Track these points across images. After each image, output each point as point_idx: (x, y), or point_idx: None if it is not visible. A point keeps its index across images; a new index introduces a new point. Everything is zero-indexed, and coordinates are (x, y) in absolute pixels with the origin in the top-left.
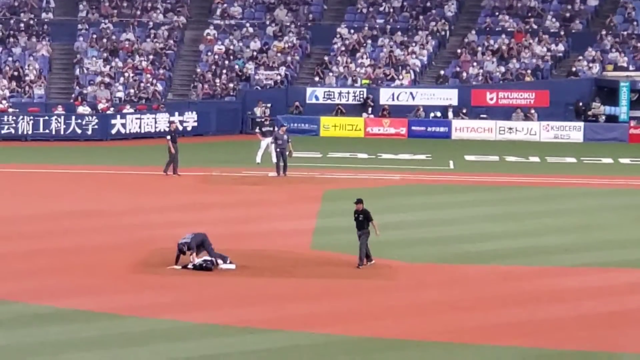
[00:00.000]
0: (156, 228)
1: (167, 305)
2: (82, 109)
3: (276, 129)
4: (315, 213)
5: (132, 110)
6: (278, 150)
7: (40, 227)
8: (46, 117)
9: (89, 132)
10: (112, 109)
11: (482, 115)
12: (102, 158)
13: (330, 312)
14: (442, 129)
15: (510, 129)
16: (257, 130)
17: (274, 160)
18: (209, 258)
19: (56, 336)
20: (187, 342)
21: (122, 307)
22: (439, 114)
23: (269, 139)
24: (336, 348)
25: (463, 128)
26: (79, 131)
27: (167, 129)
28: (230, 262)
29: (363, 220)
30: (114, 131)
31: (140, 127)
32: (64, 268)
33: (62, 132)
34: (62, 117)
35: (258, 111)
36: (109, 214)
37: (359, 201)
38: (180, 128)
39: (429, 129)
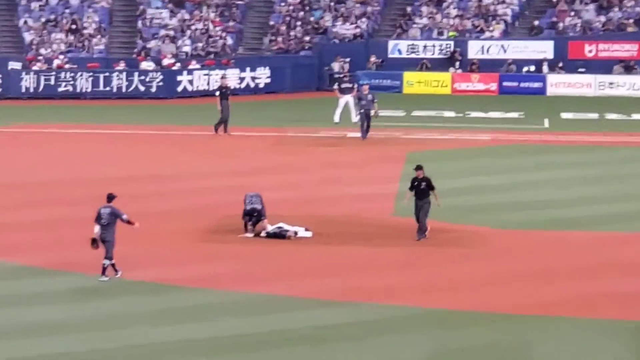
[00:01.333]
0: (226, 193)
1: (236, 277)
2: (146, 65)
3: (358, 86)
4: (398, 176)
5: (199, 66)
6: (362, 111)
7: (102, 192)
8: (106, 74)
9: (153, 90)
10: (177, 64)
11: (580, 69)
12: (167, 118)
13: (411, 283)
14: (536, 85)
15: (610, 84)
16: (335, 87)
17: (354, 119)
18: (285, 226)
19: (121, 308)
20: (256, 316)
21: (188, 279)
22: (532, 68)
23: (348, 96)
24: (418, 321)
25: (559, 83)
26: (142, 89)
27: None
28: (307, 230)
29: (425, 188)
30: (179, 88)
31: (208, 84)
32: (128, 236)
33: (123, 90)
34: (124, 73)
35: (336, 66)
36: (175, 178)
37: (419, 167)
38: (237, 85)
39: (522, 84)
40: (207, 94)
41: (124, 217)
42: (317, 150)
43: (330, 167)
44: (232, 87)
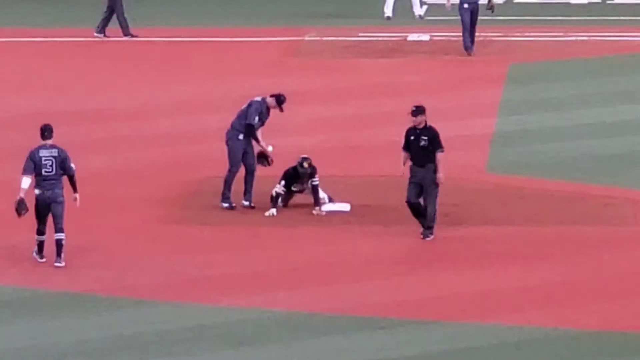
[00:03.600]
0: (209, 139)
1: (230, 283)
2: None
3: None
4: (494, 106)
5: None
6: (466, 6)
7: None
8: None
9: None
10: None
11: None
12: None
13: (533, 288)
14: None
15: None
16: None
17: (418, 11)
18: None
19: (54, 336)
20: (263, 345)
21: (156, 288)
22: None
23: None
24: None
25: None
26: None
27: None
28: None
29: (427, 146)
30: None
31: None
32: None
33: None
34: None
35: None
36: (127, 114)
37: (418, 111)
38: None
39: None
40: None
41: (72, 169)
42: (356, 64)
43: (380, 93)
44: None
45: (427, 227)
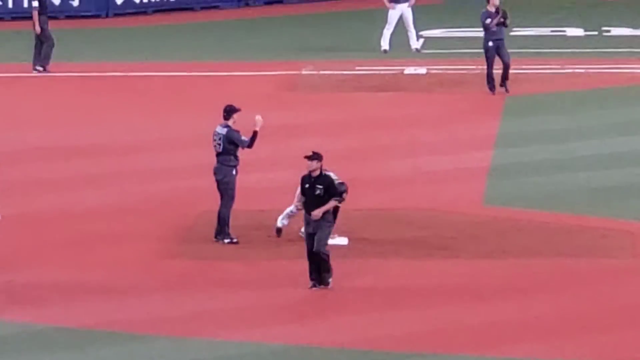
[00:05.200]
0: (202, 174)
1: (231, 316)
2: None
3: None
4: (491, 139)
5: None
6: (491, 44)
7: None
8: None
9: (75, 3)
10: None
11: None
12: (99, 47)
13: (530, 320)
14: None
15: None
16: None
17: (415, 45)
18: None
19: None
20: None
21: (151, 322)
22: None
23: (404, 6)
24: None
25: None
26: (56, 2)
27: None
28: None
29: (322, 195)
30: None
31: None
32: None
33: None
34: None
35: None
36: (116, 149)
37: (314, 157)
38: None
39: None
40: (165, 7)
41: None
42: (353, 98)
43: (377, 126)
44: None
45: (318, 278)
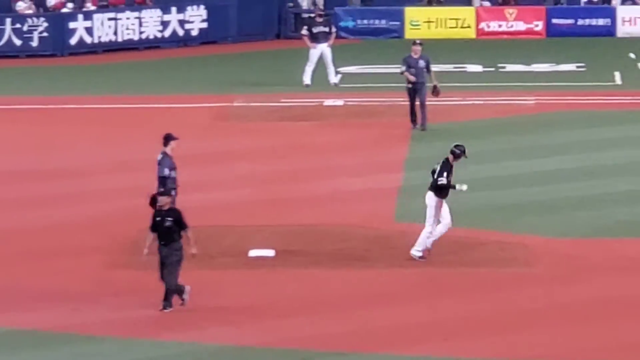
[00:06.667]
0: (142, 195)
1: (166, 319)
2: (23, 6)
3: (337, 30)
4: (401, 162)
5: (100, 7)
6: (410, 86)
7: None
8: None
9: (34, 44)
10: (69, 5)
11: None
12: (55, 84)
13: (431, 323)
14: (601, 22)
15: None
16: (304, 31)
17: (333, 80)
18: None
19: None
20: None
21: (97, 324)
22: None
23: (324, 46)
24: None
25: (635, 19)
26: (17, 43)
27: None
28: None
29: (172, 226)
30: (73, 41)
31: (115, 34)
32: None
33: None
34: None
35: (304, 1)
36: (66, 173)
37: (164, 192)
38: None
39: (580, 22)
40: (113, 47)
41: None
42: (279, 127)
43: (300, 152)
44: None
45: (167, 301)
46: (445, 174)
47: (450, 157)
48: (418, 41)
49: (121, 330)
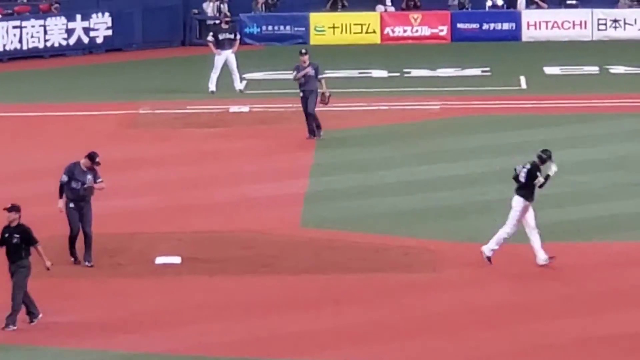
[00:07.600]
0: (49, 203)
1: (66, 327)
2: None
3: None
4: (307, 169)
5: (5, 16)
6: (302, 94)
7: None
8: None
9: None
10: None
11: (569, 1)
12: None
13: (344, 328)
14: (506, 26)
15: (615, 22)
16: (209, 38)
17: (238, 86)
18: None
19: None
20: None
21: (4, 333)
22: (500, 1)
23: (228, 52)
24: None
25: (540, 23)
26: None
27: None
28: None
29: (19, 243)
30: None
31: (20, 42)
32: None
33: None
34: None
35: (209, 8)
36: None
37: (13, 208)
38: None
39: (485, 26)
40: (19, 55)
41: None
42: (185, 134)
43: (206, 158)
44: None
45: (7, 317)
46: (538, 174)
47: (538, 161)
48: (304, 51)
49: (26, 338)
